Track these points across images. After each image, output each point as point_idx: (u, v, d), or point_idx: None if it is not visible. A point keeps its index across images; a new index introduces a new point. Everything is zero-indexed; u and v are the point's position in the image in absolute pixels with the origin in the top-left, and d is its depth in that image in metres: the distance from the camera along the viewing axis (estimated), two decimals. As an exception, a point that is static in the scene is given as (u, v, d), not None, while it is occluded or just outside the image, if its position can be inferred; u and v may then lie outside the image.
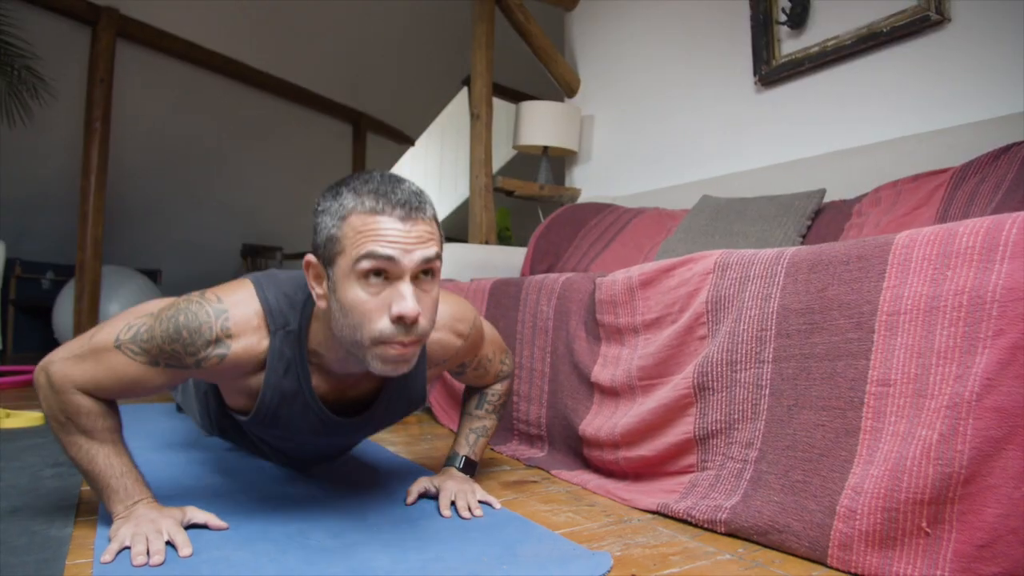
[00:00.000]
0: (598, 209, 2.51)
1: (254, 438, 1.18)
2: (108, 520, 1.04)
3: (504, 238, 6.93)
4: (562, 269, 2.38)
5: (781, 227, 1.78)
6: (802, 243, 1.77)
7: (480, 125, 2.99)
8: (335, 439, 1.13)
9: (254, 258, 4.86)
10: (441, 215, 7.95)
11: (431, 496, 1.22)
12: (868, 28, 1.96)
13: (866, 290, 0.95)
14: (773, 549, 1.00)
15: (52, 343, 3.54)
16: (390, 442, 1.78)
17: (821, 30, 2.11)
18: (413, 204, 0.87)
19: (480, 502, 1.18)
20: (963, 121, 1.76)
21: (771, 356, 1.07)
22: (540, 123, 3.10)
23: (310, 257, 0.91)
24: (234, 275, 5.45)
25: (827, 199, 1.89)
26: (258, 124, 4.46)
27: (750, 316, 1.11)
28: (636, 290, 1.37)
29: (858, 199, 1.77)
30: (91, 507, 1.15)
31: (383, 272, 0.85)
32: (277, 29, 3.99)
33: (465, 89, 5.82)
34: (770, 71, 2.25)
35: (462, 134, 7.58)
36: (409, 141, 5.86)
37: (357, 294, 0.86)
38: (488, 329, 1.29)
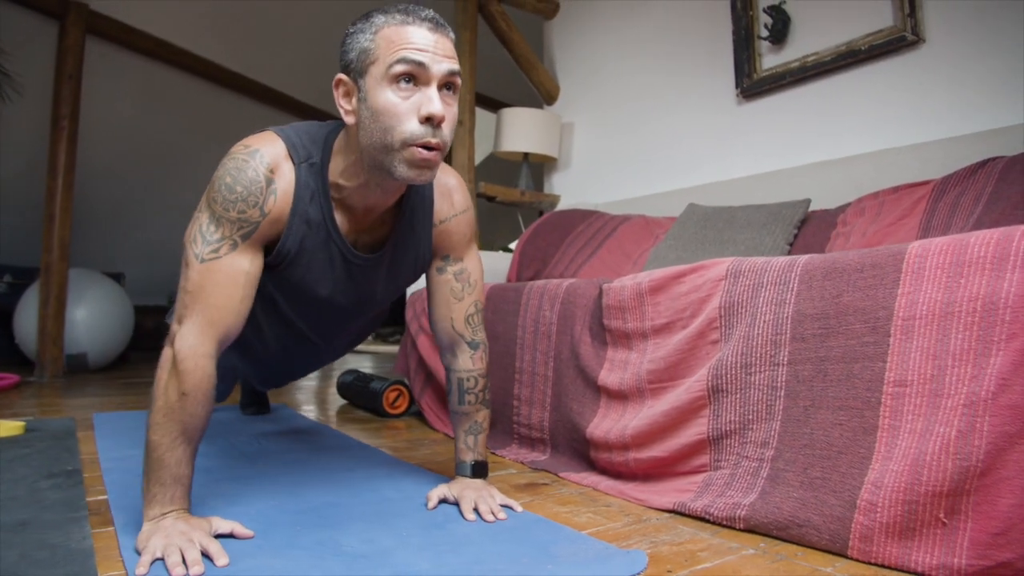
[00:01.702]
0: (584, 216, 2.56)
1: (268, 304, 1.18)
2: (128, 530, 1.02)
3: (472, 243, 6.94)
4: (549, 275, 2.42)
5: (770, 235, 1.85)
6: (790, 250, 1.85)
7: (463, 131, 3.01)
8: (350, 285, 1.16)
9: (221, 262, 4.75)
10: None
11: (450, 503, 1.23)
12: (847, 46, 2.06)
13: (881, 296, 1.01)
14: (793, 543, 1.05)
15: (12, 350, 3.39)
16: (391, 447, 1.77)
17: (801, 46, 2.21)
18: (439, 21, 0.97)
19: (501, 505, 1.20)
20: (937, 137, 1.87)
21: (786, 359, 1.12)
22: (521, 129, 3.14)
23: (340, 75, 0.99)
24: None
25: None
26: (227, 125, 4.36)
27: (764, 321, 1.16)
28: (645, 296, 1.41)
29: (841, 209, 1.86)
30: (104, 519, 1.12)
31: (413, 78, 0.94)
32: (249, 29, 3.92)
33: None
34: (751, 84, 2.34)
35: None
36: (379, 145, 5.82)
37: (389, 97, 0.94)
38: (478, 251, 1.33)
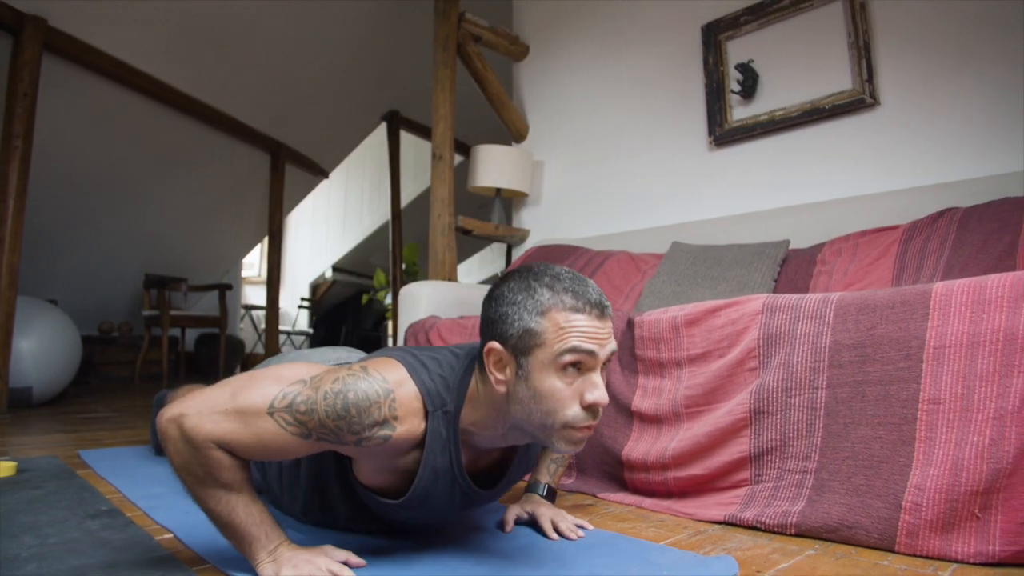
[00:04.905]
0: (569, 251, 2.70)
1: (376, 516, 1.16)
2: (234, 565, 1.03)
3: (411, 273, 6.94)
4: (541, 305, 2.52)
5: (758, 272, 2.06)
6: (775, 287, 2.06)
7: (443, 165, 3.09)
8: (464, 509, 1.16)
9: (160, 289, 4.53)
10: (345, 249, 7.83)
11: (524, 523, 1.30)
12: (811, 104, 2.34)
13: (912, 328, 1.19)
14: (843, 543, 1.20)
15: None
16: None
17: (770, 101, 2.48)
18: (604, 303, 0.98)
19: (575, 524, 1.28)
20: (895, 188, 2.16)
21: (825, 383, 1.29)
22: (494, 165, 3.27)
23: (495, 345, 0.97)
24: (132, 306, 4.98)
25: (784, 247, 2.20)
26: (176, 148, 4.23)
27: (803, 350, 1.33)
28: (681, 328, 1.55)
29: (817, 249, 2.10)
30: (192, 557, 1.11)
31: (579, 364, 0.94)
32: (208, 54, 3.85)
33: (383, 124, 5.87)
34: (723, 133, 2.58)
35: (369, 169, 7.56)
36: (324, 173, 5.77)
37: (554, 383, 0.94)
38: None
